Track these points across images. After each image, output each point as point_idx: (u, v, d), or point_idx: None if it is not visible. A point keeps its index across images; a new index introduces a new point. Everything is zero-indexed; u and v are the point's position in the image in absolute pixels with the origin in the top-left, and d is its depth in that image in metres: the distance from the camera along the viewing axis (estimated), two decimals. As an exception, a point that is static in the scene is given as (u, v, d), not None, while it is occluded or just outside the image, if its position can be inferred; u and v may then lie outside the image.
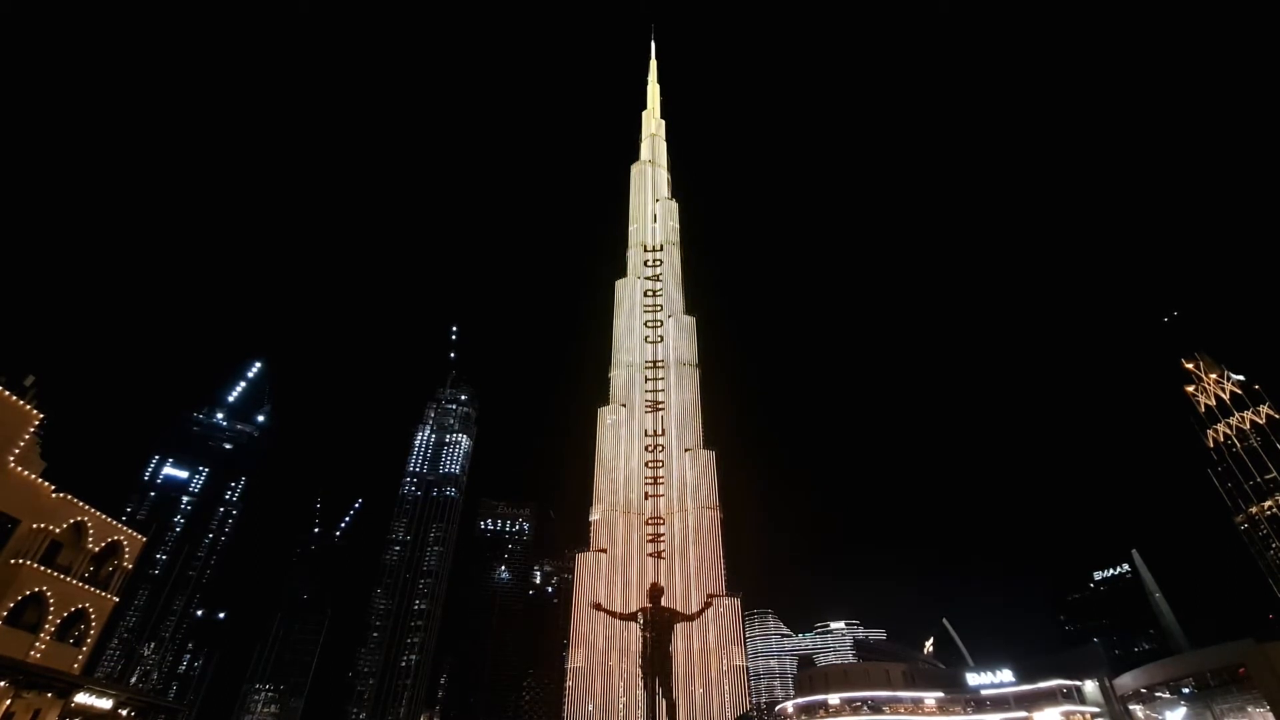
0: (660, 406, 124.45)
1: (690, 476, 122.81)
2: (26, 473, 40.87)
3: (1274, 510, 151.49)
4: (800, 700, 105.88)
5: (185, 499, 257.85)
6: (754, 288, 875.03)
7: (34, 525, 40.61)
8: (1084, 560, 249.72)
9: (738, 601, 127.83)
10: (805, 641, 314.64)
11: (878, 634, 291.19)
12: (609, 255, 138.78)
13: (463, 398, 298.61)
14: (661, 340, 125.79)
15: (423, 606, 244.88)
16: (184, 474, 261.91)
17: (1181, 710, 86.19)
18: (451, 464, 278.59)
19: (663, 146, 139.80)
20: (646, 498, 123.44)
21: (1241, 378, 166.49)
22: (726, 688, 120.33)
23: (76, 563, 43.11)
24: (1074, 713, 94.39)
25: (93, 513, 44.40)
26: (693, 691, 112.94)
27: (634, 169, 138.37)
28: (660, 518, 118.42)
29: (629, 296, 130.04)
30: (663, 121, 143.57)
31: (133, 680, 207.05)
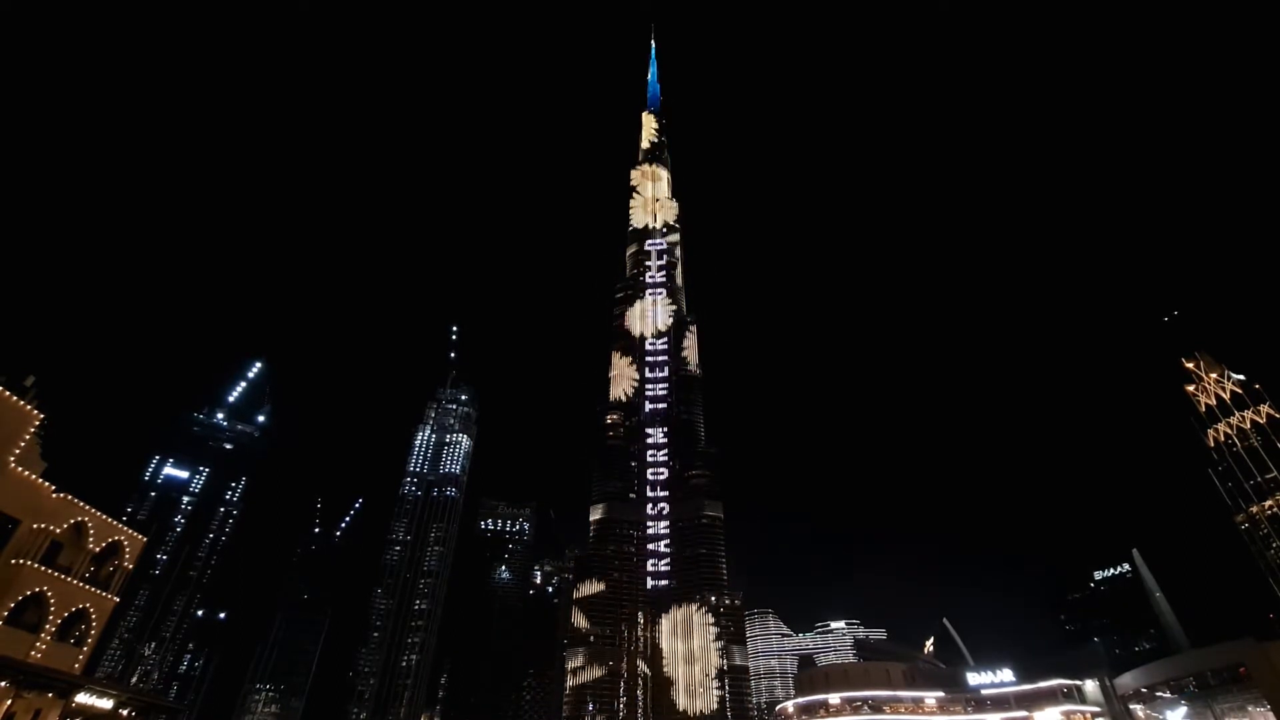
0: (661, 405, 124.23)
1: (693, 476, 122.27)
2: (27, 473, 40.79)
3: (1274, 510, 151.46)
4: (800, 700, 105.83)
5: (185, 499, 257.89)
6: (756, 286, 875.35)
7: (34, 525, 40.54)
8: (1084, 560, 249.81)
9: (738, 601, 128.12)
10: (805, 641, 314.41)
11: (878, 634, 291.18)
12: (609, 255, 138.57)
13: (463, 398, 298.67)
14: (663, 339, 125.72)
15: (423, 606, 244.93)
16: (184, 474, 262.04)
17: (1182, 710, 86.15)
18: (451, 464, 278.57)
19: (664, 146, 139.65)
20: (648, 497, 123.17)
21: (1241, 377, 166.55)
22: (727, 687, 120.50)
23: (77, 563, 43.06)
24: (1074, 712, 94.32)
25: (93, 513, 44.34)
26: (693, 690, 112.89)
27: (635, 168, 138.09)
28: (662, 517, 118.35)
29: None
30: (664, 120, 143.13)
31: (133, 680, 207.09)
